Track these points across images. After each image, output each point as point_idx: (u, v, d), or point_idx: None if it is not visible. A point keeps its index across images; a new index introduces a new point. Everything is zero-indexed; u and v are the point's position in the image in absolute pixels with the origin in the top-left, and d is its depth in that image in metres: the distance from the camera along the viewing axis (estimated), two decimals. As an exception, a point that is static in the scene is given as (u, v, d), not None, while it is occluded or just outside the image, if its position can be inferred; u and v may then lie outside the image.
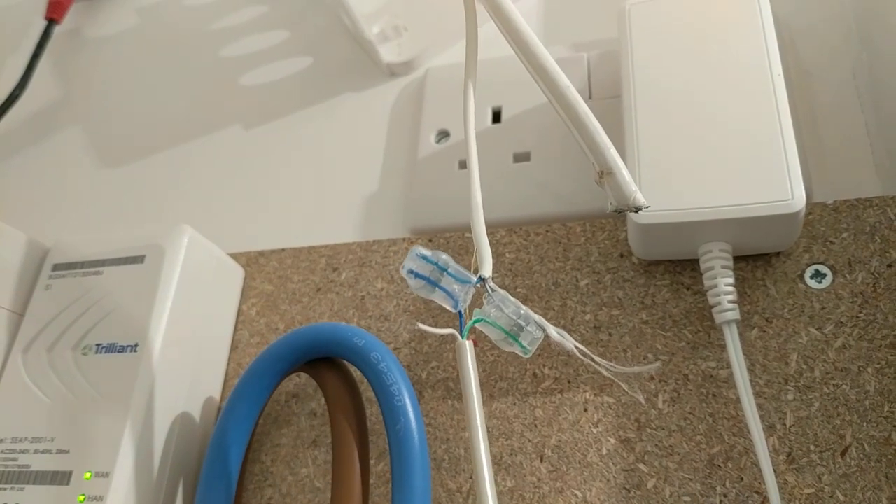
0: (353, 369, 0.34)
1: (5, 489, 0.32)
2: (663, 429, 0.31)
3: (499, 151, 0.40)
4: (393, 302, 0.38)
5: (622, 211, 0.27)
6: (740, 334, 0.31)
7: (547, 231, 0.37)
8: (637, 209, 0.26)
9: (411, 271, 0.27)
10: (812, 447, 0.29)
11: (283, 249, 0.41)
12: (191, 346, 0.36)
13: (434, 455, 0.33)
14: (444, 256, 0.27)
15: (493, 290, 0.27)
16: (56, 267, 0.38)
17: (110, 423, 0.33)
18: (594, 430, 0.32)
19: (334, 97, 0.47)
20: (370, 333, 0.33)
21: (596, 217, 0.37)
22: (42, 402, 0.34)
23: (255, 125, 0.47)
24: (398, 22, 0.46)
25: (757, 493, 0.29)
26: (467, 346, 0.27)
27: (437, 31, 0.46)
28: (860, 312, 0.31)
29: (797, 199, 0.29)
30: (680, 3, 0.35)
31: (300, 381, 0.37)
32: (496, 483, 0.32)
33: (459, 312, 0.27)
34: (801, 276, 0.32)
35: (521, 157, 0.39)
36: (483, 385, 0.34)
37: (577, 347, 0.28)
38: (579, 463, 0.31)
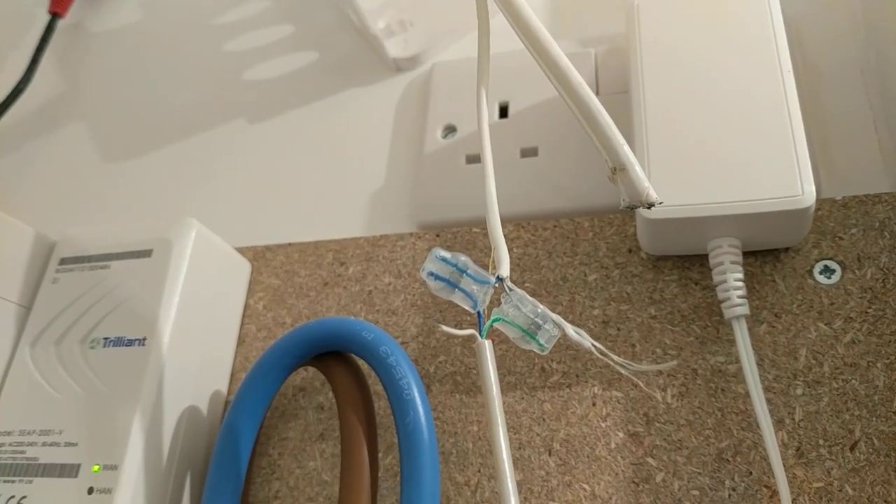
0: (361, 363, 0.34)
1: (14, 482, 0.32)
2: (672, 423, 0.31)
3: (506, 147, 0.40)
4: (400, 296, 0.38)
5: (635, 207, 0.27)
6: (749, 329, 0.31)
7: (555, 226, 0.37)
8: (650, 205, 0.26)
9: (431, 273, 0.27)
10: (821, 441, 0.29)
11: (290, 244, 0.41)
12: (198, 339, 0.36)
13: (442, 449, 0.33)
14: (464, 258, 0.27)
15: (510, 290, 0.27)
16: (63, 261, 0.38)
17: (119, 416, 0.33)
18: (602, 424, 0.32)
19: (340, 92, 0.46)
20: (378, 327, 0.33)
21: (604, 212, 0.37)
22: (50, 395, 0.34)
23: (261, 120, 0.47)
24: (404, 16, 0.46)
25: (766, 487, 0.29)
26: (487, 345, 0.27)
27: (444, 26, 0.46)
28: (869, 308, 0.31)
29: (807, 194, 0.29)
30: (689, -1, 0.35)
31: (307, 374, 0.37)
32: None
33: (478, 313, 0.27)
34: (811, 272, 0.32)
35: (529, 153, 0.39)
36: (491, 379, 0.34)
37: (594, 346, 0.28)
38: (588, 457, 0.32)
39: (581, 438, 0.32)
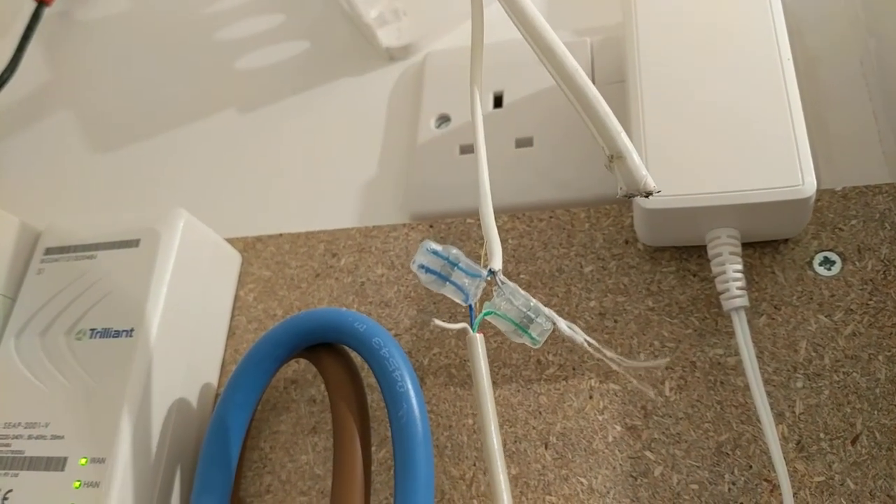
0: (353, 355, 0.34)
1: (-2, 475, 0.32)
2: (670, 416, 0.31)
3: (500, 137, 0.39)
4: (393, 288, 0.37)
5: (633, 196, 0.26)
6: (748, 321, 0.30)
7: (550, 217, 0.36)
8: (648, 194, 0.26)
9: (422, 266, 0.27)
10: (822, 435, 0.29)
11: (281, 235, 0.40)
12: (187, 331, 0.35)
13: (436, 442, 0.33)
14: (455, 251, 0.27)
15: (503, 283, 0.26)
16: (48, 251, 0.37)
17: (106, 408, 0.32)
18: (600, 418, 0.31)
19: (332, 82, 0.46)
20: (371, 318, 0.32)
21: (600, 203, 0.36)
22: (35, 387, 0.33)
23: (252, 110, 0.46)
24: (397, 5, 0.45)
25: (766, 480, 0.29)
26: (479, 339, 0.26)
27: (437, 15, 0.45)
28: (870, 300, 0.30)
29: (808, 184, 0.29)
30: (687, -13, 0.35)
31: (299, 367, 0.36)
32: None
33: (470, 306, 0.27)
34: (810, 263, 0.32)
35: (524, 143, 0.39)
36: (486, 372, 0.33)
37: (587, 341, 0.28)
38: (585, 450, 0.31)
39: (578, 432, 0.31)
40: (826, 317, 0.31)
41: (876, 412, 0.29)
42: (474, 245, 0.37)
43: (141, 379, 0.32)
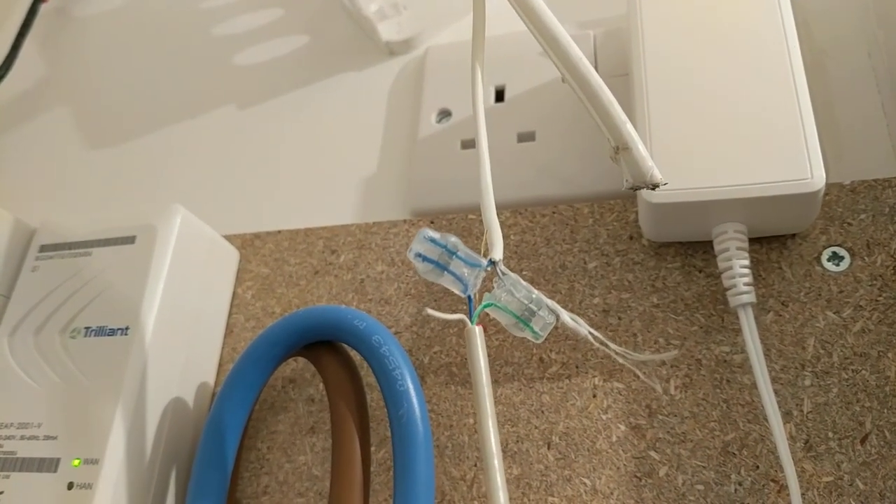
0: (353, 353, 0.33)
1: (-10, 477, 0.31)
2: (676, 415, 0.30)
3: (502, 131, 0.38)
4: (394, 285, 0.36)
5: (638, 188, 0.25)
6: (755, 318, 0.29)
7: (553, 212, 0.36)
8: (654, 186, 0.25)
9: (419, 254, 0.26)
10: (830, 434, 0.28)
11: (280, 231, 0.40)
12: (184, 329, 0.35)
13: (437, 442, 0.32)
14: (453, 239, 0.26)
15: (503, 274, 0.26)
16: (43, 248, 0.37)
17: (100, 408, 0.31)
18: (603, 417, 0.31)
19: (332, 76, 0.45)
20: (371, 316, 0.32)
21: (604, 198, 0.35)
22: (29, 387, 0.33)
23: (251, 105, 0.46)
24: (397, -1, 0.44)
25: (773, 481, 0.28)
26: (477, 331, 0.26)
27: (438, 9, 0.45)
28: (880, 296, 0.30)
29: (817, 178, 0.28)
30: (692, -23, 0.34)
31: (297, 365, 0.36)
32: (502, 471, 0.31)
33: (469, 297, 0.26)
34: (818, 259, 0.31)
35: (526, 137, 0.38)
36: (488, 370, 0.33)
37: (591, 333, 0.27)
38: (588, 450, 0.30)
39: (581, 431, 0.31)
40: (834, 313, 0.30)
41: (885, 410, 0.28)
42: (476, 241, 0.36)
43: (136, 378, 0.32)
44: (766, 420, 0.28)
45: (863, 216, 0.31)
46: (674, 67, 0.32)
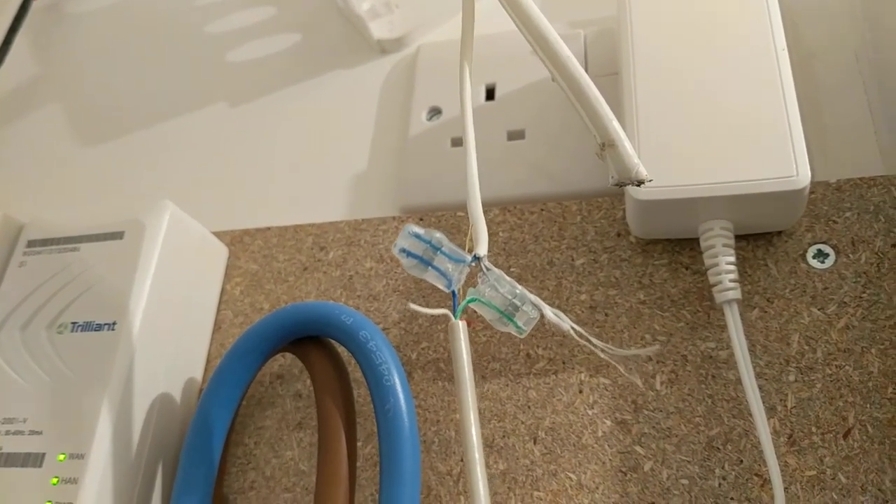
0: (340, 349, 0.33)
1: (-25, 471, 0.31)
2: (661, 410, 0.30)
3: (492, 129, 0.39)
4: (382, 281, 0.36)
5: (624, 184, 0.26)
6: (741, 315, 0.30)
7: (542, 210, 0.36)
8: (640, 182, 0.25)
9: (403, 250, 0.26)
10: (814, 429, 0.28)
11: (269, 228, 0.40)
12: (172, 324, 0.35)
13: (424, 437, 0.32)
14: (438, 235, 0.26)
15: (487, 270, 0.26)
16: (31, 243, 0.37)
17: (86, 403, 0.31)
18: (589, 412, 0.31)
19: (323, 74, 0.45)
20: (359, 312, 0.32)
21: (592, 195, 0.36)
22: (14, 382, 0.33)
23: (241, 102, 0.46)
24: (389, -3, 0.45)
25: (757, 475, 0.28)
26: (460, 326, 0.26)
27: (429, 8, 0.45)
28: (864, 293, 0.30)
29: (802, 175, 0.28)
30: (680, -24, 0.34)
31: (285, 361, 0.36)
32: (488, 466, 0.31)
33: (453, 292, 0.26)
34: (804, 256, 0.31)
35: (516, 135, 0.38)
36: (475, 366, 0.33)
37: (573, 328, 0.27)
38: (574, 445, 0.31)
39: (567, 426, 0.31)
40: (819, 310, 0.30)
41: (868, 406, 0.28)
42: (464, 238, 0.36)
43: (123, 373, 0.32)
44: (751, 415, 0.28)
45: (848, 214, 0.32)
46: (663, 66, 0.32)
